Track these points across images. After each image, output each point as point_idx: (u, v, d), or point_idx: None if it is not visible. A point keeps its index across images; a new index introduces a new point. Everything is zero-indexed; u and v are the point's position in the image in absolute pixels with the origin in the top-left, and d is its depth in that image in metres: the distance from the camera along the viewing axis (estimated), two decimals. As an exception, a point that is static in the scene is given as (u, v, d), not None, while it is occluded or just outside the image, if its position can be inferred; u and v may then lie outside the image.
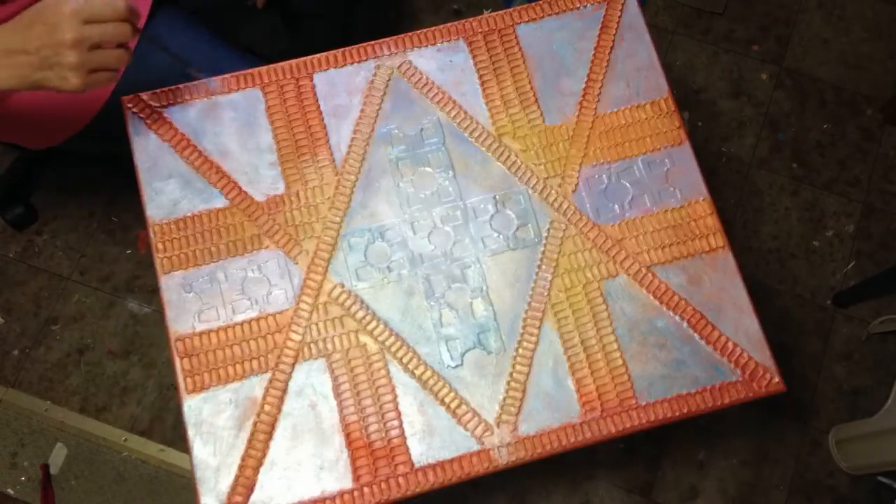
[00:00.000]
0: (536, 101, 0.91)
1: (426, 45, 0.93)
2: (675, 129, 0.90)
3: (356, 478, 0.79)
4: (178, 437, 1.49)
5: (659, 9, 1.78)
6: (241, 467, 0.79)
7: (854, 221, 1.65)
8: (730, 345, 0.83)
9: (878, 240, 1.65)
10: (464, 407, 0.81)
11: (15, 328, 1.55)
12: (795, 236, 1.65)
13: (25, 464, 1.48)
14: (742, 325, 0.84)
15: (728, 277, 0.85)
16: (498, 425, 0.81)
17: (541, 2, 0.95)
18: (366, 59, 0.92)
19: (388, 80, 0.91)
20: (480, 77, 0.92)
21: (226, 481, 0.79)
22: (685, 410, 0.82)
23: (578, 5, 0.94)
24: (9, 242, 1.60)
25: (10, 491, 1.46)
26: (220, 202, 0.87)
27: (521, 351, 0.83)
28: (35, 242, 1.60)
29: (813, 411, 1.54)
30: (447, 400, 0.81)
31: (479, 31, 0.93)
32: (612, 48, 0.93)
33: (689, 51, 1.76)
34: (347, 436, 0.80)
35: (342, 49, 0.92)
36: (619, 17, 0.94)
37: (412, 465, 0.79)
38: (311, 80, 0.91)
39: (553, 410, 0.81)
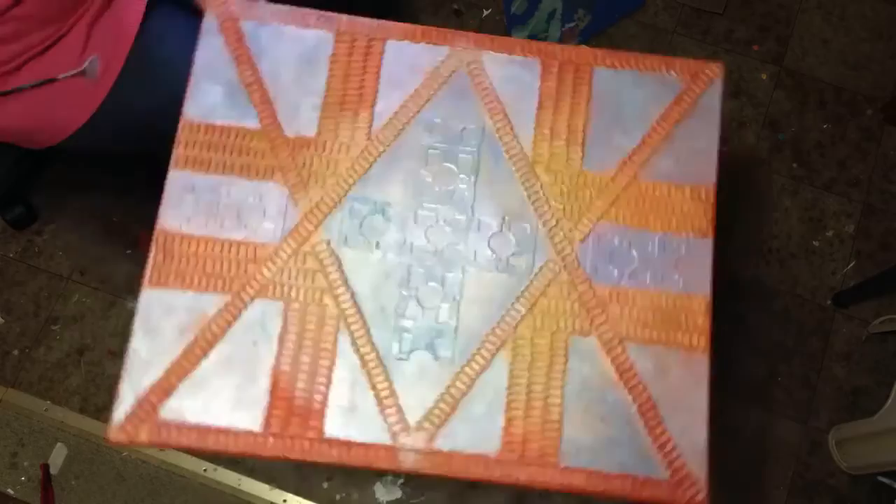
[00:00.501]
0: (583, 143, 0.90)
1: (502, 52, 0.92)
2: (706, 221, 0.88)
3: (266, 425, 0.80)
4: (177, 437, 1.50)
5: (659, 9, 1.78)
6: (168, 373, 0.81)
7: (854, 221, 1.66)
8: (670, 445, 0.81)
9: (878, 240, 1.65)
10: (391, 400, 0.81)
11: (15, 328, 1.55)
12: (795, 236, 1.65)
13: (25, 464, 1.48)
14: (690, 431, 0.81)
15: (695, 380, 0.83)
16: (416, 430, 0.80)
17: (631, 53, 0.93)
18: (441, 44, 0.93)
19: (454, 71, 0.92)
20: (540, 101, 0.91)
21: (149, 379, 0.81)
22: (600, 489, 0.80)
23: (664, 70, 0.93)
24: (9, 242, 1.60)
25: (10, 491, 1.46)
26: (252, 123, 0.89)
27: (466, 370, 0.82)
28: (35, 242, 1.60)
29: (813, 411, 1.55)
30: (379, 387, 0.81)
31: (558, 58, 0.92)
32: (677, 122, 0.91)
33: (689, 51, 1.77)
34: (275, 383, 0.81)
35: (423, 27, 0.93)
36: (699, 96, 0.92)
37: (322, 433, 0.80)
38: (383, 44, 0.92)
39: (474, 437, 0.80)
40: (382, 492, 1.43)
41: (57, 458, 1.47)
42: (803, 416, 1.53)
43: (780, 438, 1.52)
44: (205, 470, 1.47)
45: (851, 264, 1.63)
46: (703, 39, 1.76)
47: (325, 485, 1.45)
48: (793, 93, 1.74)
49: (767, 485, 1.50)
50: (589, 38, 1.72)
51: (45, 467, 1.45)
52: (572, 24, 1.68)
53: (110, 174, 1.62)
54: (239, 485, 1.46)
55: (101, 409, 1.51)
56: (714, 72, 0.92)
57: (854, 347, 1.58)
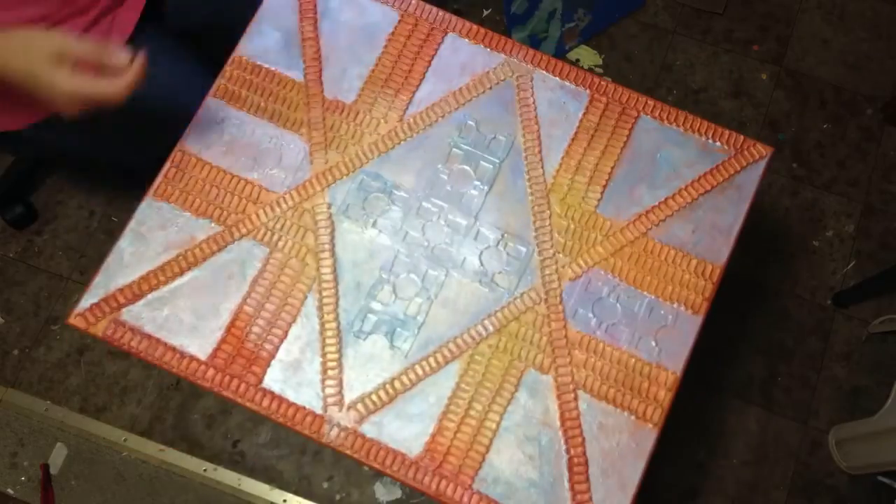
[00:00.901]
0: (605, 186, 0.88)
1: (555, 75, 0.92)
2: (702, 299, 0.85)
3: (212, 356, 0.82)
4: (178, 437, 1.49)
5: (659, 9, 1.75)
6: (142, 280, 0.84)
7: (854, 221, 1.64)
8: (588, 506, 0.79)
9: (878, 240, 1.63)
10: (336, 372, 0.82)
11: (15, 328, 1.55)
12: (795, 236, 1.62)
13: (25, 464, 1.46)
14: (612, 501, 0.79)
15: (637, 453, 0.80)
16: (349, 409, 0.81)
17: (683, 112, 0.91)
18: (498, 51, 0.93)
19: (502, 80, 0.92)
20: (576, 133, 0.90)
21: (123, 280, 0.84)
22: (506, 525, 0.78)
23: (711, 137, 0.90)
24: (9, 242, 1.60)
25: (10, 491, 1.46)
26: (297, 75, 0.91)
27: (416, 367, 0.82)
28: (35, 242, 1.60)
29: (813, 411, 1.53)
30: (329, 356, 0.82)
31: (607, 95, 0.91)
32: (707, 192, 0.88)
33: (689, 51, 1.74)
34: (233, 321, 0.83)
35: (486, 30, 0.93)
36: (737, 171, 0.89)
37: (259, 382, 0.81)
38: (443, 36, 0.93)
39: (401, 434, 0.80)
40: (382, 491, 1.42)
41: (57, 458, 1.46)
42: (803, 416, 1.52)
43: (780, 438, 1.52)
44: (205, 470, 1.46)
45: (851, 264, 1.61)
46: (703, 39, 1.74)
47: (325, 485, 1.44)
48: (793, 93, 1.72)
49: (767, 485, 1.49)
50: (589, 37, 1.71)
51: (45, 467, 1.45)
52: (572, 24, 1.68)
53: (110, 174, 1.63)
54: (239, 485, 1.45)
55: (101, 409, 1.50)
56: (761, 152, 0.89)
57: (854, 347, 1.57)
